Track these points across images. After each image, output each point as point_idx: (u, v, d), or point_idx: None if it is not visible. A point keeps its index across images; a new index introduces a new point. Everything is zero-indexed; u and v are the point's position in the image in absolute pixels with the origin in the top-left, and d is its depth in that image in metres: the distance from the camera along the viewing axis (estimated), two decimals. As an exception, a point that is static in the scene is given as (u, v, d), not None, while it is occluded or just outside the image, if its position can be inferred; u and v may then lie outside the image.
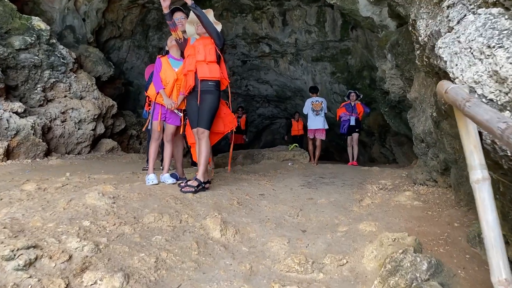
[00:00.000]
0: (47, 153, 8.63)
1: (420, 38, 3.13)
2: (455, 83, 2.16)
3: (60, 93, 9.89)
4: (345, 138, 11.38)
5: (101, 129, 10.82)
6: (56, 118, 9.46)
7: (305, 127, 12.74)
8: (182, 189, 4.49)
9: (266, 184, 5.82)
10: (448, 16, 2.51)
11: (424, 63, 3.25)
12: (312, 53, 15.01)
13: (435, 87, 4.14)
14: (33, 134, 8.12)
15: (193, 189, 4.47)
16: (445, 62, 2.35)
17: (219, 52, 4.95)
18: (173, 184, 4.92)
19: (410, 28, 3.64)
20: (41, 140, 8.29)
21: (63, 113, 9.73)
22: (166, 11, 4.93)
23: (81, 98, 10.39)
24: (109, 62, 12.38)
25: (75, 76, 10.21)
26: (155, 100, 5.21)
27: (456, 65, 2.25)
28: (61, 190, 4.54)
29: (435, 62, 2.60)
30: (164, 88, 5.14)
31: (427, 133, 4.77)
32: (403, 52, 6.30)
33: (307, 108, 10.80)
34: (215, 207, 4.04)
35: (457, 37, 2.27)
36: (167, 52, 5.48)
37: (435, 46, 2.55)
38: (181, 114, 5.22)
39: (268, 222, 3.80)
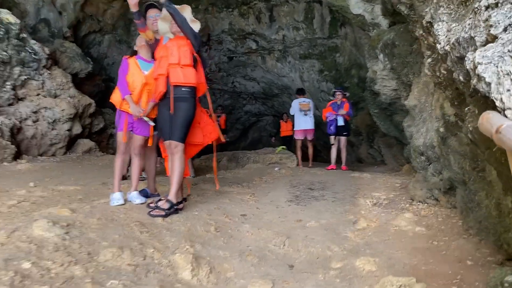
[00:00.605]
0: (17, 156, 8.05)
1: (439, 46, 2.52)
2: (506, 115, 1.56)
3: (32, 91, 9.28)
4: (332, 137, 10.64)
5: (77, 129, 10.24)
6: (28, 118, 8.88)
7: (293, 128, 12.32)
8: (151, 213, 3.87)
9: (250, 199, 5.26)
10: (487, 20, 1.88)
11: (439, 74, 2.65)
12: (300, 50, 14.61)
13: (441, 97, 3.64)
14: (0, 136, 7.55)
15: (163, 213, 3.86)
16: (488, 84, 1.71)
17: (195, 54, 4.31)
18: (142, 204, 4.29)
19: (421, 32, 3.01)
20: (9, 143, 7.73)
21: (35, 112, 9.14)
22: (134, 9, 4.28)
23: (56, 96, 9.79)
24: (87, 58, 11.76)
25: (48, 73, 9.65)
26: (120, 108, 4.56)
27: (508, 90, 1.60)
28: (14, 209, 4.00)
29: (461, 78, 2.00)
30: (131, 94, 4.48)
31: (428, 146, 4.27)
32: (400, 54, 5.76)
33: (294, 109, 10.68)
34: (187, 236, 3.47)
35: (510, 51, 1.64)
36: (136, 53, 4.78)
37: (466, 58, 1.95)
38: (152, 123, 4.59)
39: (250, 255, 3.25)
